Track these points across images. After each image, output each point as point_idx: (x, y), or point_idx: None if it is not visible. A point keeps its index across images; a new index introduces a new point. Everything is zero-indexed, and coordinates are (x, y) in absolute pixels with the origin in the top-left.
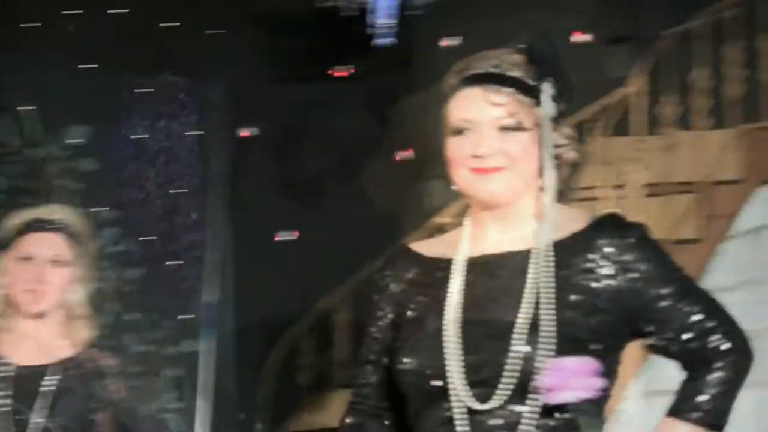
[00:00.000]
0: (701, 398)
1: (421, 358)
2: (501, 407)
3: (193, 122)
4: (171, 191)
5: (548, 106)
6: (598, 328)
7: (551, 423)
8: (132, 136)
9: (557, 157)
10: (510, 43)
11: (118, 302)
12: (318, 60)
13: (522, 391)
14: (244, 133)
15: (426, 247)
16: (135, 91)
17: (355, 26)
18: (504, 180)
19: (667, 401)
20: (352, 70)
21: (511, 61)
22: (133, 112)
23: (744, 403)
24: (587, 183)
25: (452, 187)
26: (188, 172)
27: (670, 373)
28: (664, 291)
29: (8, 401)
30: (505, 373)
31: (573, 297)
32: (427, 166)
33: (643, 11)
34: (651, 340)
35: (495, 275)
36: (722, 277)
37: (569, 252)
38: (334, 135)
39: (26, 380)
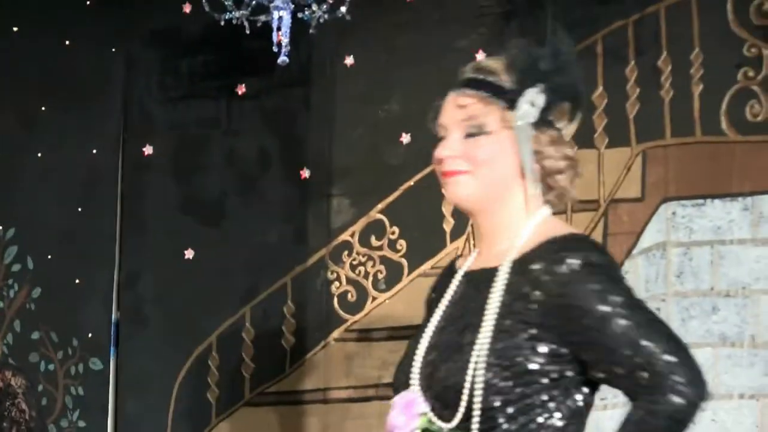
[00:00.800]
0: (647, 427)
1: (397, 378)
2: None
3: (93, 140)
4: (75, 209)
5: (523, 112)
6: (541, 357)
7: None
8: (32, 154)
9: (543, 166)
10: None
11: (22, 321)
12: (219, 77)
13: (468, 417)
14: (146, 151)
15: (463, 258)
16: (36, 108)
17: (258, 44)
18: (466, 184)
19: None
20: (244, 89)
21: (490, 67)
22: (34, 130)
23: None
24: None
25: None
26: (90, 190)
27: None
28: (605, 319)
29: None
30: (454, 398)
31: (509, 322)
32: (330, 184)
33: (548, 30)
34: (594, 370)
35: (466, 295)
36: None
37: (517, 273)
38: (235, 153)
39: None
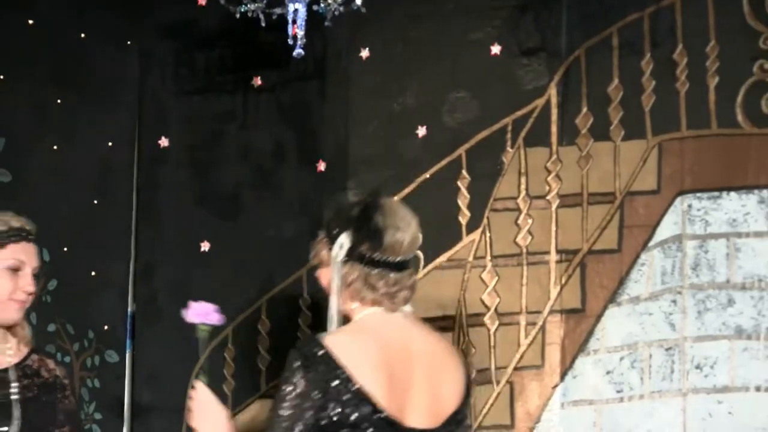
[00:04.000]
0: None
1: None
2: None
3: (108, 133)
4: (91, 201)
5: (335, 250)
6: None
7: None
8: (48, 147)
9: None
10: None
11: (38, 313)
12: (234, 70)
13: None
14: (162, 143)
15: None
16: (52, 100)
17: (273, 37)
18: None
19: (586, 411)
20: (260, 82)
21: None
22: (49, 122)
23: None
24: (507, 194)
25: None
26: (105, 183)
27: (591, 383)
28: None
29: None
30: None
31: None
32: (346, 177)
33: (563, 22)
34: None
35: None
36: (642, 287)
37: None
38: (251, 146)
39: None
